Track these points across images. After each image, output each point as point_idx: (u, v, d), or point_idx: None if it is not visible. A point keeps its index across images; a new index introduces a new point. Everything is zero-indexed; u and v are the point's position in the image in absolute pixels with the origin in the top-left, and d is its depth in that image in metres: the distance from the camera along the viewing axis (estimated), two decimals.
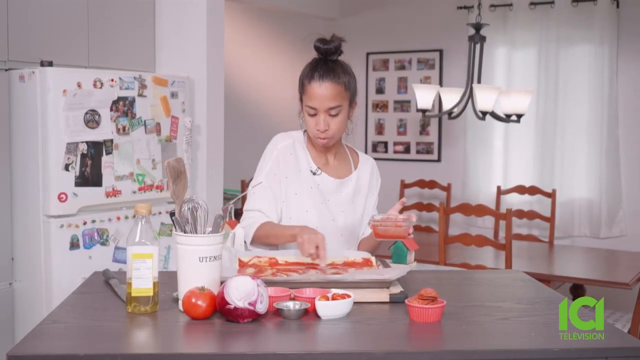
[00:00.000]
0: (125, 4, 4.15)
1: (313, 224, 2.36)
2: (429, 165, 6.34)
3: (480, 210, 4.26)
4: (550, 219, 5.24)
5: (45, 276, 3.46)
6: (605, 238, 5.60)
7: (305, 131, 2.50)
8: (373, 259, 2.30)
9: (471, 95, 4.77)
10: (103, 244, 3.61)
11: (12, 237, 3.56)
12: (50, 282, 3.46)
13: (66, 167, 3.46)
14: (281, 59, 6.97)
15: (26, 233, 3.51)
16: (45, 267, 3.46)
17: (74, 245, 3.50)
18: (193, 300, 1.80)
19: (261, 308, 1.78)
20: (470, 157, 6.07)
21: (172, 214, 1.94)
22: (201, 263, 1.86)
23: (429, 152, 6.35)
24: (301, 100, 2.41)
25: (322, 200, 2.43)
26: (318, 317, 1.81)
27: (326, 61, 2.36)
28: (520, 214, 5.32)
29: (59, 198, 3.44)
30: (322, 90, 2.32)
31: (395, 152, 6.48)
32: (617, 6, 5.48)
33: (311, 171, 2.45)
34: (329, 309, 1.82)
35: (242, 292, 1.76)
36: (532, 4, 5.74)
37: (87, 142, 3.53)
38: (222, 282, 1.87)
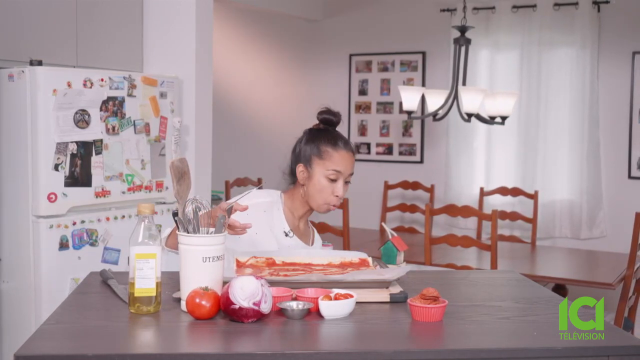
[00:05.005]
0: (114, 3, 4.14)
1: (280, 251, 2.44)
2: (411, 166, 6.38)
3: (466, 211, 4.30)
4: (533, 220, 5.31)
5: (34, 277, 3.44)
6: (586, 239, 5.68)
7: (281, 193, 2.60)
8: (370, 259, 2.32)
9: (456, 97, 4.81)
10: (92, 244, 3.59)
11: (1, 238, 3.53)
12: (39, 283, 3.43)
13: (56, 167, 3.44)
14: (265, 60, 6.98)
15: (15, 233, 3.48)
16: (34, 268, 3.43)
17: (63, 245, 3.48)
18: (197, 300, 1.81)
19: (265, 308, 1.79)
20: (452, 159, 6.12)
21: (174, 214, 1.94)
22: (204, 263, 1.87)
23: (411, 153, 6.39)
24: (309, 165, 2.50)
25: None
26: (321, 316, 1.82)
27: (335, 131, 2.56)
28: (503, 215, 5.37)
29: (49, 198, 3.42)
30: (349, 157, 2.51)
31: (377, 153, 6.51)
32: (598, 10, 5.56)
33: (284, 232, 2.53)
34: (333, 308, 1.83)
35: (247, 292, 1.77)
36: (514, 7, 5.81)
37: (76, 142, 3.51)
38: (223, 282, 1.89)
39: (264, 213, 2.51)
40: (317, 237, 2.72)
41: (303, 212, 2.59)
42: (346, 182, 2.52)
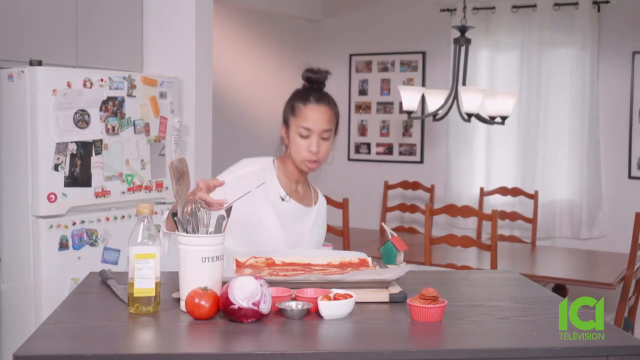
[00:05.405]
0: (114, 3, 4.14)
1: (280, 251, 2.41)
2: (411, 166, 6.37)
3: (466, 211, 4.29)
4: (533, 220, 5.30)
5: (34, 277, 3.44)
6: (585, 239, 5.68)
7: (274, 159, 2.57)
8: (369, 259, 2.32)
9: (456, 97, 4.81)
10: (92, 244, 3.59)
11: (1, 238, 3.53)
12: (39, 283, 3.44)
13: (55, 167, 3.44)
14: (265, 60, 6.97)
15: (15, 233, 3.49)
16: (34, 268, 3.43)
17: (63, 245, 3.48)
18: (196, 300, 1.80)
19: (265, 308, 1.79)
20: (452, 159, 6.12)
21: (174, 214, 1.94)
22: (204, 263, 1.87)
23: (411, 153, 6.39)
24: (287, 124, 2.50)
25: (289, 226, 2.50)
26: (320, 316, 1.82)
27: (318, 89, 2.49)
28: (503, 215, 5.37)
29: (49, 198, 3.42)
30: (319, 112, 2.44)
31: (377, 153, 6.51)
32: (598, 10, 5.56)
33: (280, 197, 2.50)
34: (332, 309, 1.83)
35: (246, 292, 1.77)
36: (514, 7, 5.80)
37: (76, 142, 3.51)
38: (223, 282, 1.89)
39: (257, 181, 2.47)
40: (321, 197, 2.67)
41: (298, 174, 2.54)
42: (325, 139, 2.45)
